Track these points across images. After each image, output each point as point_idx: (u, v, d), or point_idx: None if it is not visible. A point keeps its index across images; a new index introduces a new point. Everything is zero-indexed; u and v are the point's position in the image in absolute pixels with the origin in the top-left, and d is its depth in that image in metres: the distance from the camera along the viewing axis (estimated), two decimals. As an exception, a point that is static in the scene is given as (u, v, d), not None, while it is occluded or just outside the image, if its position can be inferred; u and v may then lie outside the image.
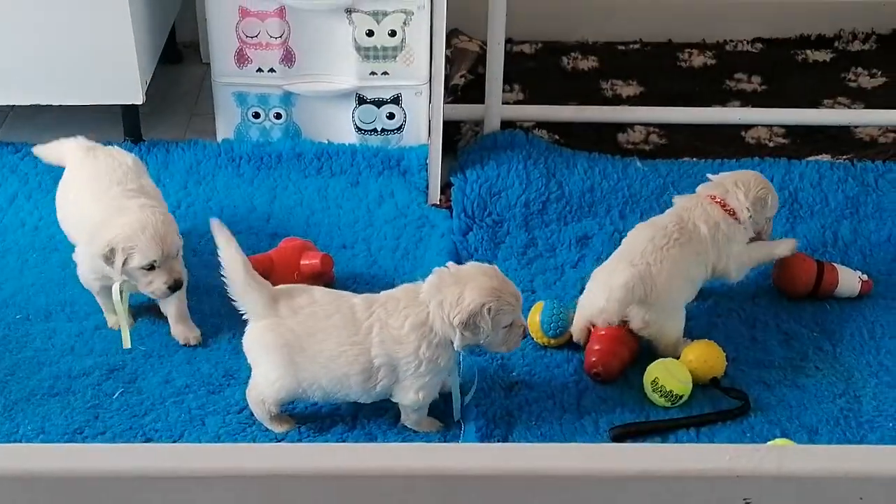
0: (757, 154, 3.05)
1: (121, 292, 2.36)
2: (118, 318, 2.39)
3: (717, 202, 2.49)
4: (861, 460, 1.06)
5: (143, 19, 2.94)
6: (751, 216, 2.48)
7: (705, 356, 2.36)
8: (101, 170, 2.48)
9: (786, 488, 1.04)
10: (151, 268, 2.31)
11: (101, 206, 2.39)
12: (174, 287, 2.34)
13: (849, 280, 2.56)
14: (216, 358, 2.38)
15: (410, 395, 2.15)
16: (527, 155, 2.93)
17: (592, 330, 2.39)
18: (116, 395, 2.29)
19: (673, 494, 1.10)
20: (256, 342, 2.15)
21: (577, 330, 2.40)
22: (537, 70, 3.51)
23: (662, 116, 3.17)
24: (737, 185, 2.49)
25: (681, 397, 2.29)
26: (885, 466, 1.07)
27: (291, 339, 2.11)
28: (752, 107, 3.30)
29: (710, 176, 2.56)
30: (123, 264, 2.29)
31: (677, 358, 2.36)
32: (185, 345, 2.40)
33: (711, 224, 2.46)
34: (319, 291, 2.18)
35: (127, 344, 2.37)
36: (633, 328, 2.36)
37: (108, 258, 2.29)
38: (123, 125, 3.04)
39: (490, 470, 1.33)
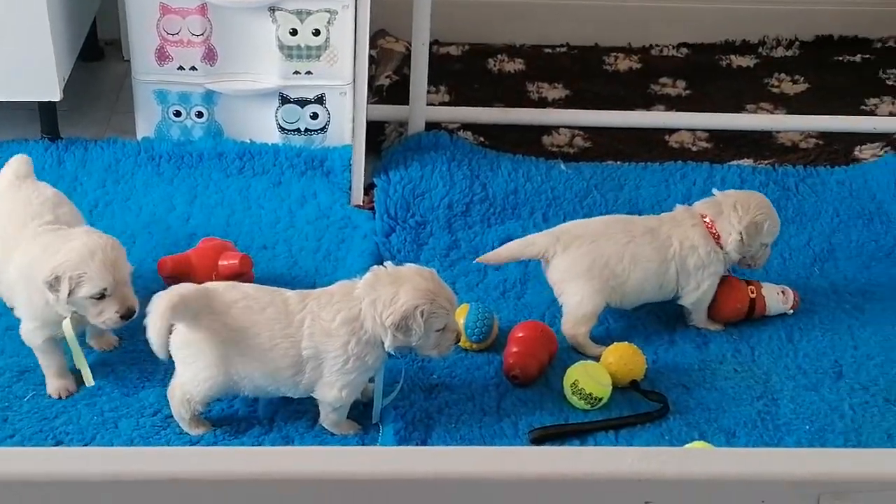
0: (680, 158, 3.07)
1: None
2: (75, 355, 2.19)
3: (705, 223, 2.46)
4: (762, 463, 1.06)
5: (61, 14, 2.88)
6: (741, 239, 2.43)
7: (625, 359, 2.36)
8: (19, 204, 2.30)
9: (687, 491, 1.04)
10: (102, 296, 2.14)
11: (27, 243, 2.20)
12: (127, 316, 2.16)
13: (776, 307, 2.56)
14: (131, 359, 2.34)
15: (333, 392, 2.12)
16: (451, 156, 2.92)
17: (511, 332, 2.39)
18: (28, 397, 2.24)
19: (577, 497, 1.09)
20: (188, 341, 2.11)
21: None
22: (464, 72, 3.50)
23: (587, 119, 3.18)
24: (735, 207, 2.44)
25: (600, 400, 2.29)
26: (786, 469, 1.08)
27: (225, 335, 2.09)
28: (677, 111, 3.32)
29: (714, 191, 2.51)
30: (70, 294, 2.11)
31: (596, 360, 2.36)
32: (100, 350, 2.35)
33: (686, 246, 2.45)
34: (251, 287, 2.16)
35: (90, 381, 2.22)
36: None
37: (53, 286, 2.11)
38: (41, 123, 2.98)
39: (406, 474, 1.31)
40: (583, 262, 2.43)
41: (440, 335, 2.12)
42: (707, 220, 2.46)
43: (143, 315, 2.10)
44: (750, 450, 1.17)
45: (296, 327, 2.09)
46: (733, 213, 2.44)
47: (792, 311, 2.56)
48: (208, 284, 2.16)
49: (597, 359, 2.37)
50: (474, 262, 2.57)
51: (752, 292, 2.53)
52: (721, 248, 2.46)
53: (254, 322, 2.09)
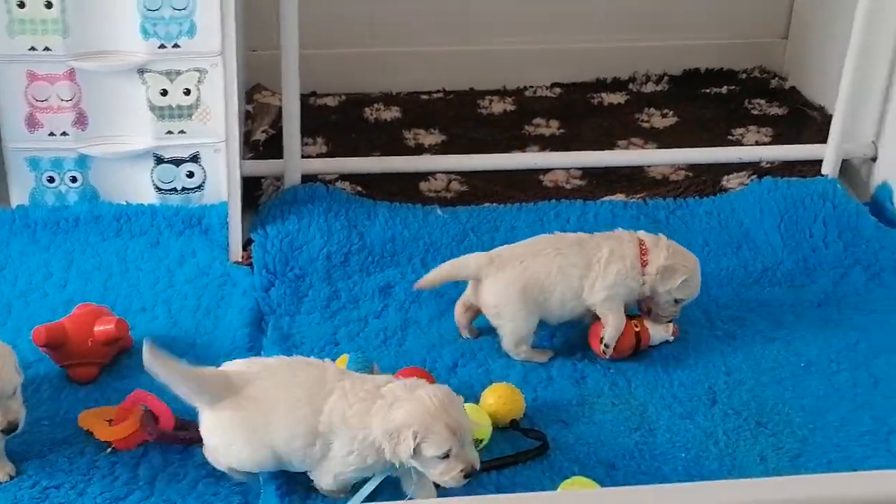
0: (554, 196, 3.12)
1: None
2: None
3: (641, 245, 2.53)
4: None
5: (-74, 86, 2.85)
6: (656, 275, 2.50)
7: (504, 399, 2.39)
8: None
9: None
10: None
11: None
12: (9, 430, 2.07)
13: (659, 336, 2.61)
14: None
15: (326, 478, 2.11)
16: (327, 208, 2.94)
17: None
18: None
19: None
20: (217, 426, 2.11)
21: None
22: (340, 122, 3.53)
23: (463, 164, 3.22)
24: (668, 248, 2.53)
25: (480, 441, 2.31)
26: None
27: (252, 410, 2.07)
28: (550, 150, 3.38)
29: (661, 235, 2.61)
30: None
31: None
32: None
33: (616, 254, 2.51)
34: (277, 359, 2.16)
35: None
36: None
37: None
38: (-90, 194, 2.94)
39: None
40: (516, 284, 2.51)
41: (446, 463, 2.03)
42: (644, 244, 2.52)
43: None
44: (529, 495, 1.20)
45: (322, 397, 2.06)
46: (664, 251, 2.52)
47: (673, 339, 2.61)
48: (233, 363, 2.17)
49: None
50: (413, 288, 2.64)
51: (636, 326, 2.58)
52: (643, 273, 2.52)
53: (279, 386, 2.07)
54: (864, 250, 2.95)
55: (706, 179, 3.21)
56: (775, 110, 3.64)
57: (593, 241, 2.55)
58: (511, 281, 2.53)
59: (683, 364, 2.58)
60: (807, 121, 3.54)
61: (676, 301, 2.54)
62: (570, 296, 2.54)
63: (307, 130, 3.36)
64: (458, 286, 2.80)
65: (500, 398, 2.38)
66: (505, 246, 2.60)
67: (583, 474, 2.27)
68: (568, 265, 2.53)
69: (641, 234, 2.59)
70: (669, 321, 2.57)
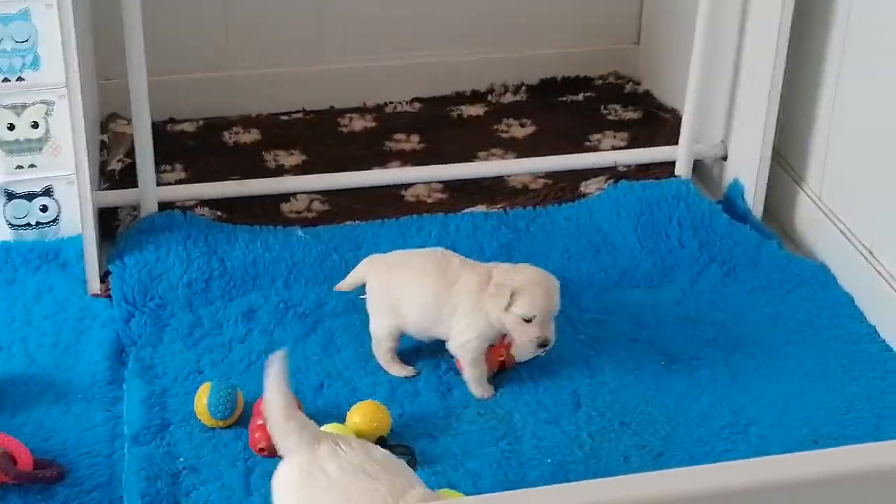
0: (416, 211, 3.14)
1: None
2: None
3: (491, 276, 2.51)
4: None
5: None
6: (489, 298, 2.47)
7: (370, 416, 2.39)
8: None
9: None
10: None
11: None
12: None
13: (526, 354, 2.62)
14: None
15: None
16: (186, 234, 2.91)
17: (255, 405, 2.39)
18: None
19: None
20: (283, 481, 2.04)
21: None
22: (199, 147, 3.49)
23: (324, 183, 3.22)
24: (505, 270, 2.50)
25: (347, 461, 2.30)
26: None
27: (318, 482, 1.99)
28: (412, 165, 3.39)
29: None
30: None
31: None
32: None
33: (465, 289, 2.50)
34: (372, 448, 2.06)
35: None
36: None
37: None
38: None
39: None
40: (379, 289, 2.58)
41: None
42: (492, 274, 2.51)
43: None
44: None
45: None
46: (496, 276, 2.49)
47: (544, 353, 2.62)
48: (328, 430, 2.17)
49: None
50: (333, 289, 2.72)
51: (502, 355, 2.60)
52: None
53: (354, 483, 1.97)
54: (719, 247, 3.01)
55: (565, 186, 3.26)
56: (630, 114, 3.71)
57: (454, 270, 2.54)
58: (377, 285, 2.59)
59: (548, 370, 2.61)
60: (660, 123, 3.61)
61: (527, 321, 2.47)
62: (428, 321, 2.55)
63: (165, 157, 3.33)
64: (321, 306, 2.80)
65: (365, 416, 2.38)
66: (398, 251, 2.69)
67: (449, 486, 2.28)
68: (422, 288, 2.53)
69: (500, 265, 2.57)
70: (542, 346, 2.49)
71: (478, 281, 2.51)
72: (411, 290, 2.56)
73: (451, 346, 2.55)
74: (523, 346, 2.48)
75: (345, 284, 2.70)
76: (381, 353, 2.61)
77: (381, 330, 2.60)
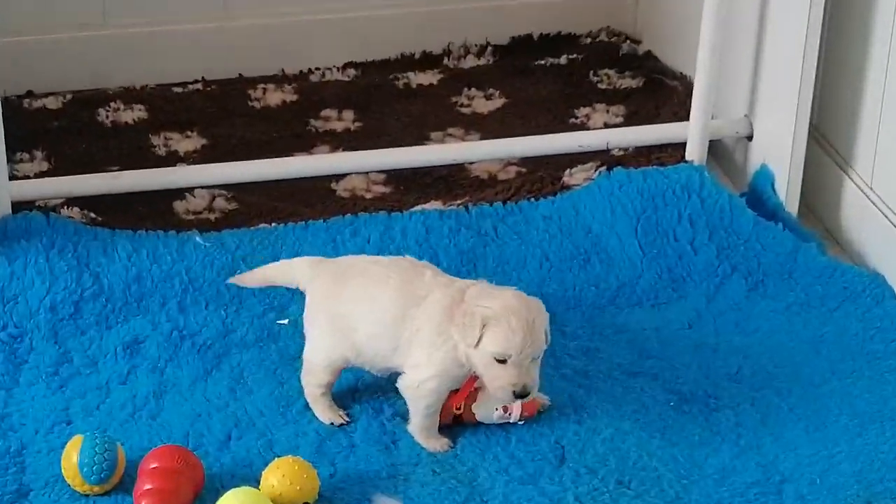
0: (351, 210, 3.14)
1: None
2: None
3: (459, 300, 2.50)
4: None
5: None
6: (462, 324, 2.45)
7: (291, 477, 2.38)
8: None
9: None
10: None
11: None
12: None
13: (489, 406, 2.61)
14: None
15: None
16: (49, 243, 2.91)
17: (141, 464, 2.39)
18: None
19: None
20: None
21: None
22: (66, 129, 3.49)
23: (230, 174, 3.21)
24: (478, 295, 2.49)
25: (261, 537, 2.31)
26: None
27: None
28: (344, 150, 3.40)
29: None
30: None
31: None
32: None
33: (428, 313, 2.50)
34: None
35: None
36: None
37: None
38: None
39: None
40: (324, 302, 2.59)
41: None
42: (465, 296, 2.50)
43: None
44: None
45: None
46: (469, 300, 2.48)
47: (523, 422, 2.61)
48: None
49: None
50: (227, 281, 2.82)
51: (459, 408, 2.60)
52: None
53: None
54: (743, 254, 3.04)
55: (543, 176, 3.27)
56: (628, 82, 3.73)
57: (423, 286, 2.54)
58: (322, 294, 2.61)
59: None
60: (666, 94, 3.63)
61: (500, 361, 2.44)
62: (384, 349, 2.55)
63: (21, 142, 3.32)
64: (227, 335, 2.80)
65: (285, 477, 2.38)
66: (352, 256, 2.73)
67: (397, 568, 2.29)
68: (380, 306, 2.54)
69: (478, 284, 2.55)
70: (519, 396, 2.46)
71: (448, 303, 2.51)
72: (367, 307, 2.55)
73: (402, 385, 2.55)
74: (496, 393, 2.48)
75: (251, 277, 2.72)
76: (312, 387, 2.61)
77: (320, 356, 2.60)
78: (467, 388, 2.56)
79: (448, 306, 2.50)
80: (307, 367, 2.62)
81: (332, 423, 2.59)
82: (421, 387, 2.52)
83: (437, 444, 2.55)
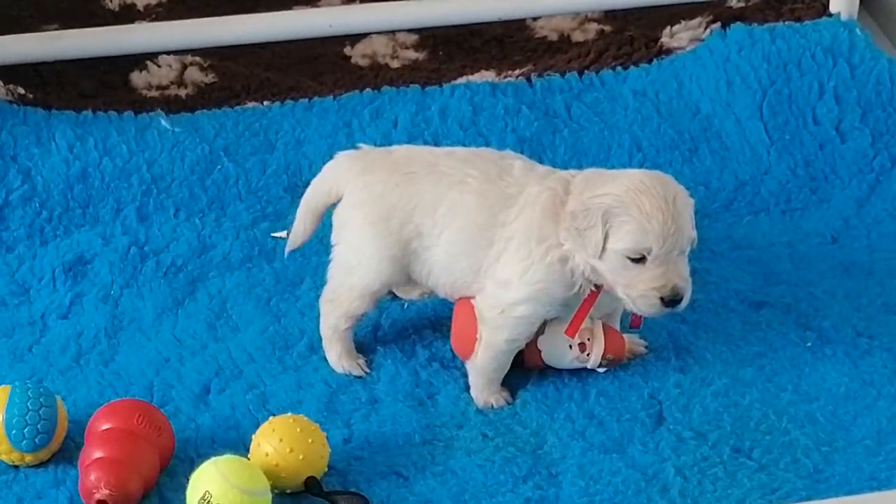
0: (371, 83, 3.15)
1: None
2: None
3: (562, 193, 2.51)
4: None
5: None
6: (575, 228, 2.45)
7: (292, 444, 2.39)
8: None
9: None
10: None
11: None
12: None
13: (565, 360, 2.62)
14: None
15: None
16: (-39, 129, 2.94)
17: (90, 426, 2.40)
18: None
19: None
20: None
21: None
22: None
23: (205, 35, 3.23)
24: (587, 181, 2.50)
25: (253, 519, 2.33)
26: None
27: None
28: (362, 2, 3.41)
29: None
30: None
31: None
32: None
33: (524, 218, 2.51)
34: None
35: None
36: None
37: None
38: None
39: None
40: (375, 205, 2.58)
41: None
42: (570, 189, 2.51)
43: None
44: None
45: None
46: (579, 188, 2.50)
47: (606, 369, 2.63)
48: None
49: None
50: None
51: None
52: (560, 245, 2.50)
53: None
54: (910, 140, 3.04)
55: (634, 36, 3.27)
56: None
57: (515, 182, 2.55)
58: (370, 196, 2.59)
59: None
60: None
61: (635, 260, 2.44)
62: (463, 268, 2.57)
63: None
64: (204, 252, 2.82)
65: (283, 443, 2.39)
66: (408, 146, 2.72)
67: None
68: (464, 212, 2.55)
69: (586, 172, 2.57)
70: (670, 303, 2.45)
71: (549, 200, 2.51)
72: (442, 217, 2.56)
73: (481, 306, 2.55)
74: (636, 304, 2.45)
75: (301, 221, 2.67)
76: (334, 320, 2.62)
77: (361, 279, 2.60)
78: (587, 305, 2.54)
79: (549, 205, 2.50)
80: (333, 293, 2.63)
81: (349, 373, 2.61)
82: (507, 312, 2.52)
83: (495, 398, 2.56)
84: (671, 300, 2.41)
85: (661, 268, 2.40)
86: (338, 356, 2.62)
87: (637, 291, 2.42)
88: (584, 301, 2.51)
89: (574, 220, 2.42)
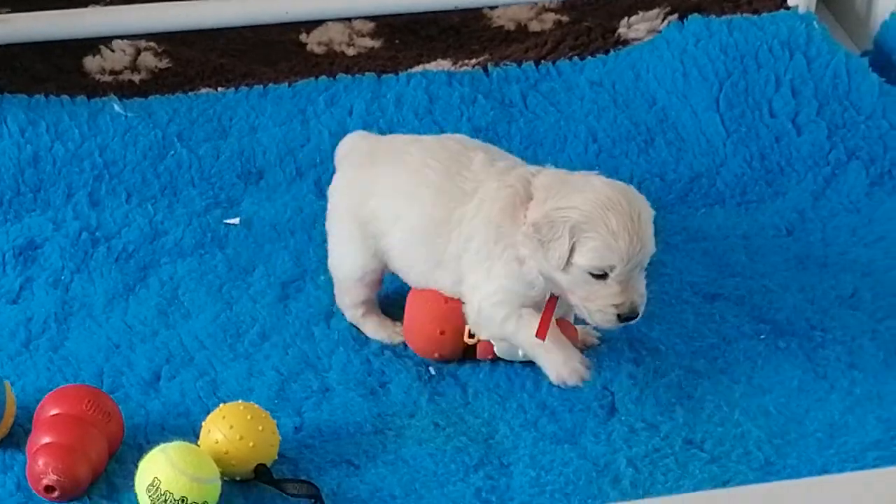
0: (326, 70, 3.16)
1: None
2: None
3: (521, 194, 2.51)
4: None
5: None
6: (531, 236, 2.46)
7: (241, 430, 2.39)
8: None
9: None
10: None
11: None
12: None
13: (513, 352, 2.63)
14: None
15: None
16: None
17: (38, 412, 2.40)
18: None
19: None
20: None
21: None
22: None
23: (160, 20, 3.23)
24: (549, 187, 2.49)
25: (202, 507, 2.33)
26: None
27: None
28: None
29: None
30: None
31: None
32: None
33: (479, 217, 2.53)
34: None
35: None
36: None
37: None
38: None
39: None
40: (349, 191, 2.64)
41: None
42: (531, 191, 2.51)
43: None
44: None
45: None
46: (541, 195, 2.49)
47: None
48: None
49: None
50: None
51: (472, 336, 2.61)
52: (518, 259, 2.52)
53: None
54: (864, 135, 3.05)
55: (591, 26, 3.28)
56: None
57: (472, 176, 2.57)
58: (350, 185, 2.65)
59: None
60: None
61: (597, 276, 2.45)
62: (419, 260, 2.60)
63: None
64: (157, 238, 2.82)
65: (233, 430, 2.39)
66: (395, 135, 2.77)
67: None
68: (418, 206, 2.57)
69: (545, 171, 2.56)
70: (626, 319, 2.49)
71: (507, 198, 2.52)
72: (398, 207, 2.59)
73: (468, 317, 2.57)
74: (593, 317, 2.48)
75: None
76: (351, 309, 2.67)
77: (346, 268, 2.65)
78: (549, 311, 2.54)
79: (507, 204, 2.51)
80: (337, 285, 2.68)
81: (389, 342, 2.66)
82: (485, 310, 2.54)
83: (577, 370, 2.57)
84: (627, 316, 2.43)
85: (621, 284, 2.42)
86: (374, 331, 2.67)
87: (595, 305, 2.44)
88: (546, 305, 2.52)
89: (538, 231, 2.43)
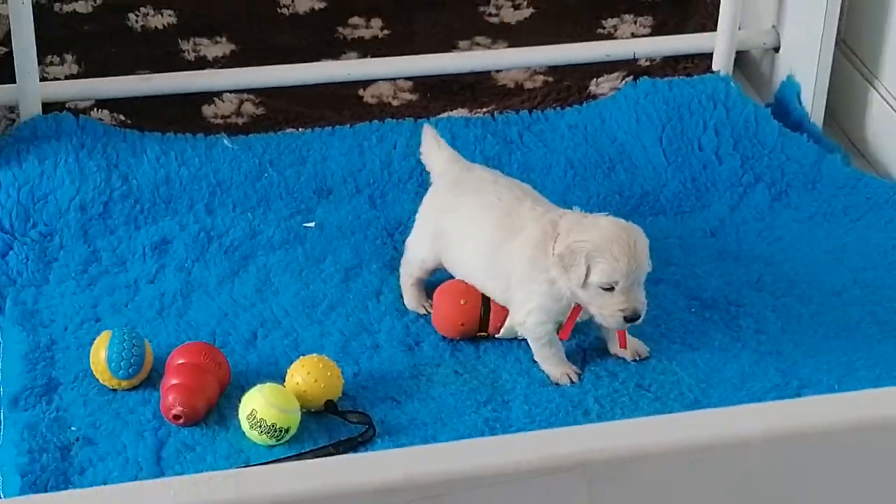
0: (378, 116, 3.14)
1: None
2: None
3: (552, 231, 2.51)
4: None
5: None
6: (557, 264, 2.46)
7: (315, 375, 2.41)
8: None
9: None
10: None
11: None
12: None
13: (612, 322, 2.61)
14: None
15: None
16: (79, 144, 2.92)
17: (168, 360, 2.42)
18: None
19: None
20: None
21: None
22: (97, 33, 3.49)
23: (258, 79, 3.22)
24: (570, 228, 2.49)
25: (286, 431, 2.34)
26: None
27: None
28: (372, 57, 3.39)
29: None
30: None
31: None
32: None
33: (522, 247, 2.53)
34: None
35: None
36: None
37: None
38: None
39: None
40: (434, 203, 2.67)
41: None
42: (557, 229, 2.51)
43: None
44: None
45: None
46: (564, 233, 2.49)
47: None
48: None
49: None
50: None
51: (463, 324, 2.61)
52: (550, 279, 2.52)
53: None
54: (767, 164, 3.04)
55: (570, 85, 3.27)
56: (656, -6, 3.71)
57: (523, 214, 2.57)
58: (437, 190, 2.69)
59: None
60: (694, 5, 3.60)
61: (606, 289, 2.45)
62: (478, 275, 2.60)
63: (52, 45, 3.33)
64: (254, 237, 2.82)
65: (309, 375, 2.41)
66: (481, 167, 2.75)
67: (419, 464, 2.31)
68: (479, 230, 2.59)
69: (571, 213, 2.56)
70: (631, 320, 2.47)
71: (540, 236, 2.53)
72: (465, 231, 2.60)
73: (513, 322, 2.58)
74: (606, 321, 2.50)
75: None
76: (406, 276, 2.69)
77: (416, 253, 2.68)
78: (573, 317, 2.55)
79: (540, 240, 2.53)
80: (406, 255, 2.70)
81: (416, 311, 2.66)
82: (526, 323, 2.55)
83: (559, 371, 2.54)
84: (631, 318, 2.45)
85: (625, 295, 2.44)
86: (408, 300, 2.67)
87: (607, 311, 2.45)
88: (571, 312, 2.53)
89: (562, 259, 2.45)
